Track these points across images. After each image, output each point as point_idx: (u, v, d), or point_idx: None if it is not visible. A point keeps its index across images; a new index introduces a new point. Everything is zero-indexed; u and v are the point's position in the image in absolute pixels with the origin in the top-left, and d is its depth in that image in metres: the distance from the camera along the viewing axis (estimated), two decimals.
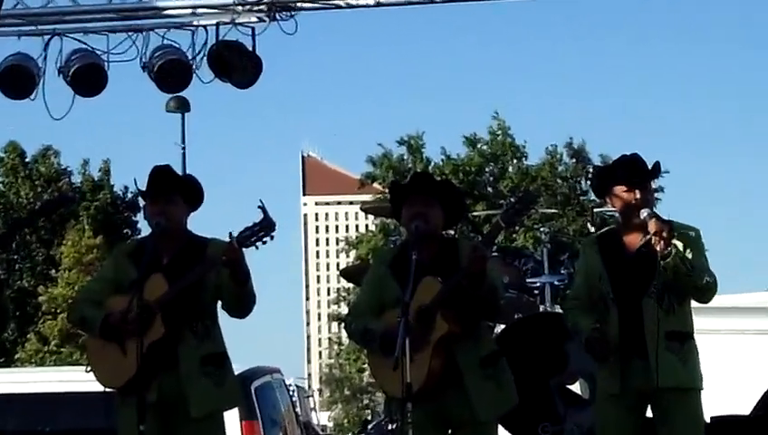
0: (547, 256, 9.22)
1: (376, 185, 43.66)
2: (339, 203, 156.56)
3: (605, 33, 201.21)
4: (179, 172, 6.15)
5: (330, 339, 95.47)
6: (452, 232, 7.27)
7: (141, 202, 6.28)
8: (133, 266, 5.83)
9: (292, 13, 9.29)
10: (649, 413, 5.81)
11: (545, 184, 40.83)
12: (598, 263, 5.83)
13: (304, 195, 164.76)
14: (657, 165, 5.88)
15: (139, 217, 37.99)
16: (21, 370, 26.50)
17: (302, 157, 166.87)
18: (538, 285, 9.01)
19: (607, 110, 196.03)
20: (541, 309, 8.83)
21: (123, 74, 9.40)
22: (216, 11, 9.47)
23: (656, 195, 6.03)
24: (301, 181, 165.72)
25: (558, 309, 8.57)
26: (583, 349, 5.84)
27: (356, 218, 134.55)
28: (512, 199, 5.79)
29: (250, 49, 9.44)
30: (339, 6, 9.65)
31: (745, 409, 7.37)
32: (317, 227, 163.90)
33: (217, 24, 9.40)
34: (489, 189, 41.94)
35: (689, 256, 5.61)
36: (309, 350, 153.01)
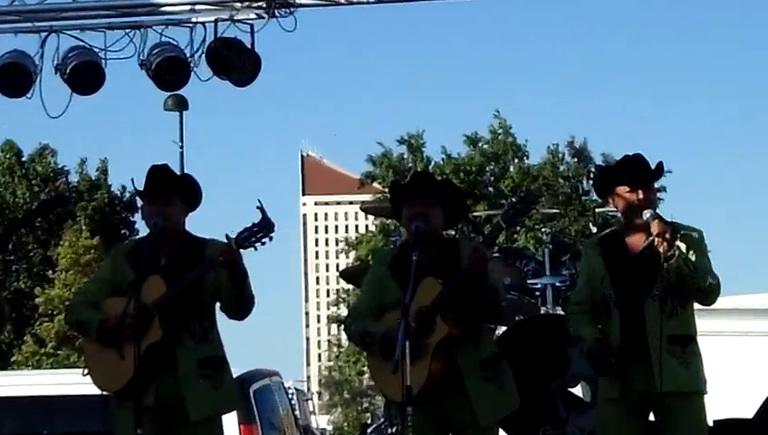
0: (548, 256, 9.18)
1: (376, 185, 43.66)
2: (338, 203, 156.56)
3: (607, 32, 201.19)
4: (177, 172, 6.15)
5: (329, 341, 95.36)
6: (452, 232, 7.28)
7: (139, 202, 6.29)
8: (131, 267, 5.84)
9: (292, 9, 9.27)
10: (652, 417, 5.81)
11: (547, 184, 40.84)
12: (600, 265, 5.83)
13: (303, 195, 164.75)
14: (660, 165, 5.88)
15: (137, 217, 38.08)
16: (17, 372, 26.58)
17: (302, 156, 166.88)
18: (539, 286, 9.00)
19: (609, 109, 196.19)
20: (542, 311, 8.82)
21: (121, 72, 9.41)
22: (214, 7, 9.45)
23: (658, 195, 6.03)
24: (300, 181, 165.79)
25: (560, 311, 8.56)
26: (585, 355, 5.85)
27: (356, 219, 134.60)
28: (513, 199, 5.79)
29: (249, 46, 9.43)
30: (338, 3, 9.64)
31: (749, 412, 7.37)
32: (316, 228, 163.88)
33: (216, 21, 9.39)
34: (490, 189, 41.95)
35: (692, 257, 5.61)
36: (308, 352, 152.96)
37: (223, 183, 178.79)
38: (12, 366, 34.40)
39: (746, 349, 8.72)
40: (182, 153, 21.78)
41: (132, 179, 6.16)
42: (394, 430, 5.64)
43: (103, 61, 9.38)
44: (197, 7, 9.49)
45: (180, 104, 20.52)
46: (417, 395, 5.36)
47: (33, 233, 37.85)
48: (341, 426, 65.80)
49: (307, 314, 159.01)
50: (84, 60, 9.32)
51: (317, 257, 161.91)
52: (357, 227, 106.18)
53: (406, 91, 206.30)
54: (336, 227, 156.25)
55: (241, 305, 5.83)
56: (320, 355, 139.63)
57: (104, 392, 5.87)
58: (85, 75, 9.30)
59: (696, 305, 5.80)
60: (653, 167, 5.85)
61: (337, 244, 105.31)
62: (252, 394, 9.38)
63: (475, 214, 36.37)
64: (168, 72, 9.30)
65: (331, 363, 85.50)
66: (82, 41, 9.42)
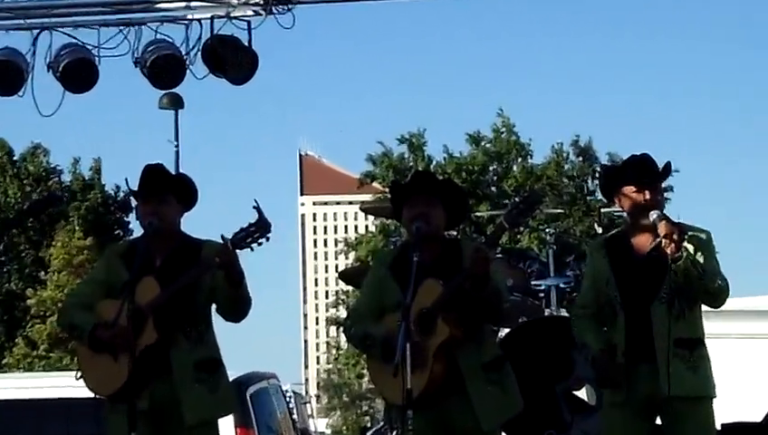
0: (553, 257, 9.16)
1: (376, 184, 43.67)
2: (337, 203, 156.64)
3: (613, 29, 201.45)
4: (172, 171, 6.16)
5: (328, 343, 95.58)
6: (454, 233, 7.27)
7: (133, 202, 6.28)
8: (125, 268, 5.83)
9: (290, 6, 9.26)
10: (658, 421, 5.81)
11: (551, 183, 40.83)
12: (605, 267, 5.83)
13: (302, 194, 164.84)
14: (668, 165, 5.87)
15: (131, 217, 38.06)
16: (8, 375, 26.59)
17: (300, 155, 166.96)
18: (543, 287, 8.99)
19: (614, 107, 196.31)
20: (546, 313, 8.81)
21: (114, 70, 9.41)
22: (210, 4, 9.44)
23: (665, 195, 6.03)
24: (298, 180, 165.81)
25: (564, 312, 8.56)
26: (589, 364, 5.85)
27: (355, 219, 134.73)
28: (516, 199, 5.80)
29: (246, 44, 9.43)
30: None
31: (758, 415, 7.37)
32: (315, 228, 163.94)
33: (212, 18, 9.38)
34: (493, 189, 41.96)
35: (700, 259, 5.61)
36: (306, 355, 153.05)
37: (219, 183, 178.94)
38: (3, 369, 34.41)
39: (754, 352, 8.72)
40: (177, 152, 21.83)
41: (126, 179, 6.17)
42: (394, 434, 5.63)
43: (97, 58, 9.37)
44: (193, 4, 9.48)
45: (175, 103, 20.54)
46: (417, 398, 5.35)
47: (25, 233, 37.85)
48: (340, 430, 65.84)
49: (305, 315, 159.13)
50: (77, 57, 9.31)
51: (316, 258, 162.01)
52: (356, 227, 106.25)
53: (406, 88, 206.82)
54: (335, 227, 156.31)
55: (237, 307, 5.83)
56: (318, 358, 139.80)
57: (97, 396, 5.86)
58: (78, 73, 9.29)
59: (703, 307, 5.80)
60: (660, 167, 5.85)
61: (336, 245, 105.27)
62: (249, 398, 9.40)
63: (478, 214, 36.43)
64: (164, 69, 9.29)
65: (330, 366, 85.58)
66: (75, 38, 9.41)
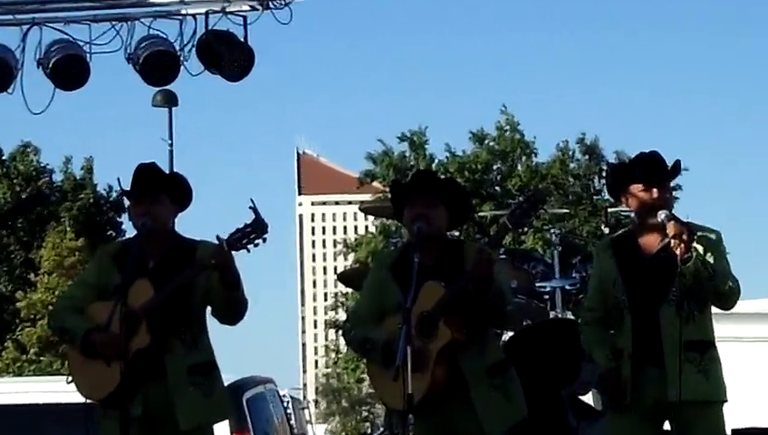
0: (558, 258, 9.17)
1: (376, 184, 43.68)
2: (336, 203, 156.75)
3: (619, 25, 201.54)
4: (166, 170, 6.15)
5: (326, 347, 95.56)
6: (457, 233, 7.27)
7: (126, 202, 6.28)
8: (117, 270, 5.84)
9: (287, 0, 9.28)
10: (667, 426, 5.81)
11: (556, 182, 40.85)
12: (612, 267, 5.82)
13: (300, 194, 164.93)
14: (677, 163, 5.87)
15: (124, 217, 38.08)
16: None
17: (298, 154, 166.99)
18: (548, 289, 8.99)
19: (621, 104, 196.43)
20: (551, 315, 8.82)
21: (106, 66, 9.42)
22: None
23: (673, 194, 6.03)
24: (296, 180, 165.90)
25: (569, 315, 8.57)
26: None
27: (354, 219, 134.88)
28: (520, 199, 5.79)
29: (241, 39, 9.43)
30: None
31: None
32: (313, 229, 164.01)
33: (207, 13, 9.38)
34: (496, 188, 41.96)
35: (710, 259, 5.61)
36: (304, 358, 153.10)
37: (214, 182, 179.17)
38: None
39: (766, 354, 8.72)
40: (171, 151, 21.78)
41: (119, 179, 6.16)
42: None
43: (88, 55, 9.36)
44: None
45: (169, 100, 20.53)
46: (418, 403, 5.36)
47: (15, 234, 37.86)
48: None
49: (303, 318, 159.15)
50: (68, 54, 9.30)
51: (314, 260, 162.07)
52: (356, 227, 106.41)
53: (407, 85, 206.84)
54: (334, 227, 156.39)
55: (233, 310, 5.83)
56: (317, 362, 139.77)
57: (89, 401, 5.86)
58: (69, 70, 9.28)
59: (714, 310, 5.80)
60: (669, 165, 5.84)
61: (335, 245, 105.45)
62: (245, 403, 9.39)
63: (481, 214, 36.43)
64: (157, 66, 9.28)
65: (329, 370, 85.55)
66: (66, 34, 9.40)
